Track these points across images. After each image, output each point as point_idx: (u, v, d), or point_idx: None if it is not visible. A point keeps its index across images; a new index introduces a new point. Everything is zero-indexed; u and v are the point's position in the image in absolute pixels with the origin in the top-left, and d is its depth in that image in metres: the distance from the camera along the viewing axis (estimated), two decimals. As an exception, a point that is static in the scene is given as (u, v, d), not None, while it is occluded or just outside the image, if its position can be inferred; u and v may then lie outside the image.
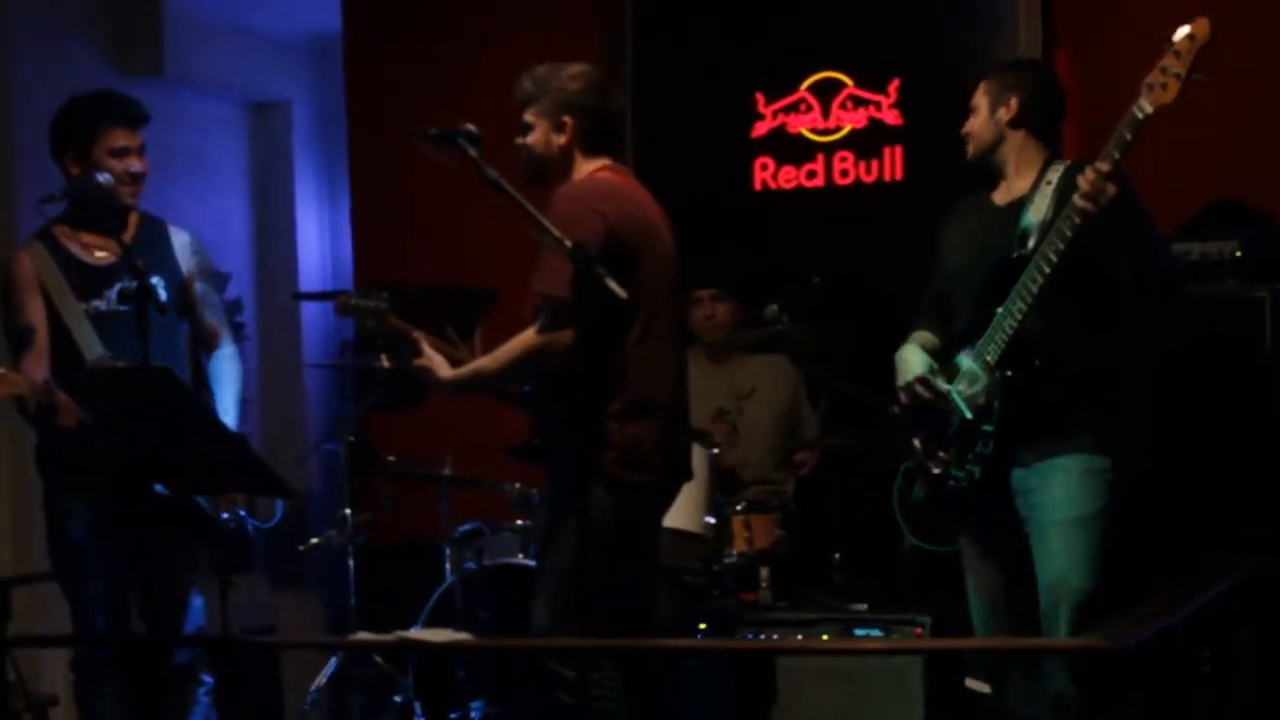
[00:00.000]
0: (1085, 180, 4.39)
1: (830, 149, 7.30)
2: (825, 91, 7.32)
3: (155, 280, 5.23)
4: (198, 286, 5.47)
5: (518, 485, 6.36)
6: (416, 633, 4.39)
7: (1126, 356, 4.85)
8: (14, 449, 7.06)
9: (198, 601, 5.30)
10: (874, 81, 7.24)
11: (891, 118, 7.19)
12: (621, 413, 4.65)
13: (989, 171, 4.93)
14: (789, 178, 7.35)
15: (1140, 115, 4.39)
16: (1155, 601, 4.36)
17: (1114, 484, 4.70)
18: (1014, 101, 4.82)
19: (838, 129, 7.29)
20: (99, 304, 5.25)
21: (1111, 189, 4.37)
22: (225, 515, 5.25)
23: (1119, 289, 4.71)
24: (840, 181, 7.28)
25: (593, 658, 4.54)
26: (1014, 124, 4.83)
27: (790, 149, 7.36)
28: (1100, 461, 4.66)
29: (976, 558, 4.86)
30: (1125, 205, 4.45)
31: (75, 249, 5.30)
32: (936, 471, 4.80)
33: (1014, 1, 6.91)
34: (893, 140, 7.18)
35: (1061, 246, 4.48)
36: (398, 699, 6.48)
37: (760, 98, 7.41)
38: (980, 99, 4.90)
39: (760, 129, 7.41)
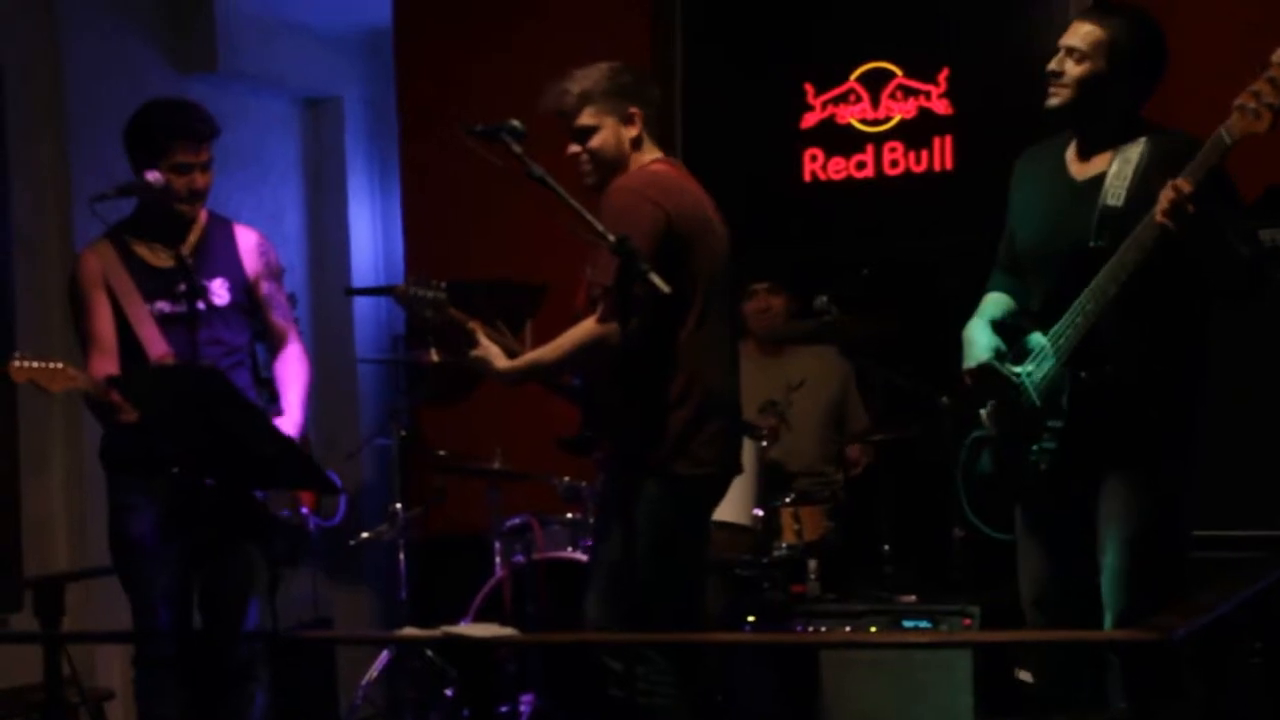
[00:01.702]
0: (1166, 199, 4.19)
1: (880, 139, 7.31)
2: (874, 82, 7.32)
3: (219, 281, 5.33)
4: (264, 287, 5.49)
5: (567, 479, 6.37)
6: (461, 628, 4.38)
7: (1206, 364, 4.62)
8: (70, 444, 7.12)
9: (257, 601, 5.32)
10: (923, 71, 7.24)
11: (941, 108, 7.18)
12: (675, 405, 4.65)
13: (1065, 122, 4.64)
14: (838, 168, 7.36)
15: (1229, 141, 4.17)
16: (1204, 594, 4.32)
17: (1182, 501, 4.52)
18: (1112, 54, 4.48)
19: (887, 119, 7.29)
20: (164, 305, 5.29)
21: (1192, 209, 4.17)
22: (286, 512, 5.29)
23: (1200, 293, 4.50)
24: (890, 172, 7.28)
25: (640, 651, 4.54)
26: (1120, 87, 4.51)
27: (840, 140, 7.37)
28: (1168, 480, 4.48)
29: (1031, 548, 4.68)
30: (1205, 211, 4.24)
31: (142, 251, 5.34)
32: (1003, 449, 4.63)
33: (1066, -9, 6.90)
34: (942, 130, 7.17)
35: (1140, 257, 4.29)
36: (449, 692, 6.49)
37: (809, 89, 7.42)
38: (1079, 40, 4.51)
39: (810, 120, 7.43)
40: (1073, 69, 4.52)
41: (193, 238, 5.38)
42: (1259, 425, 5.61)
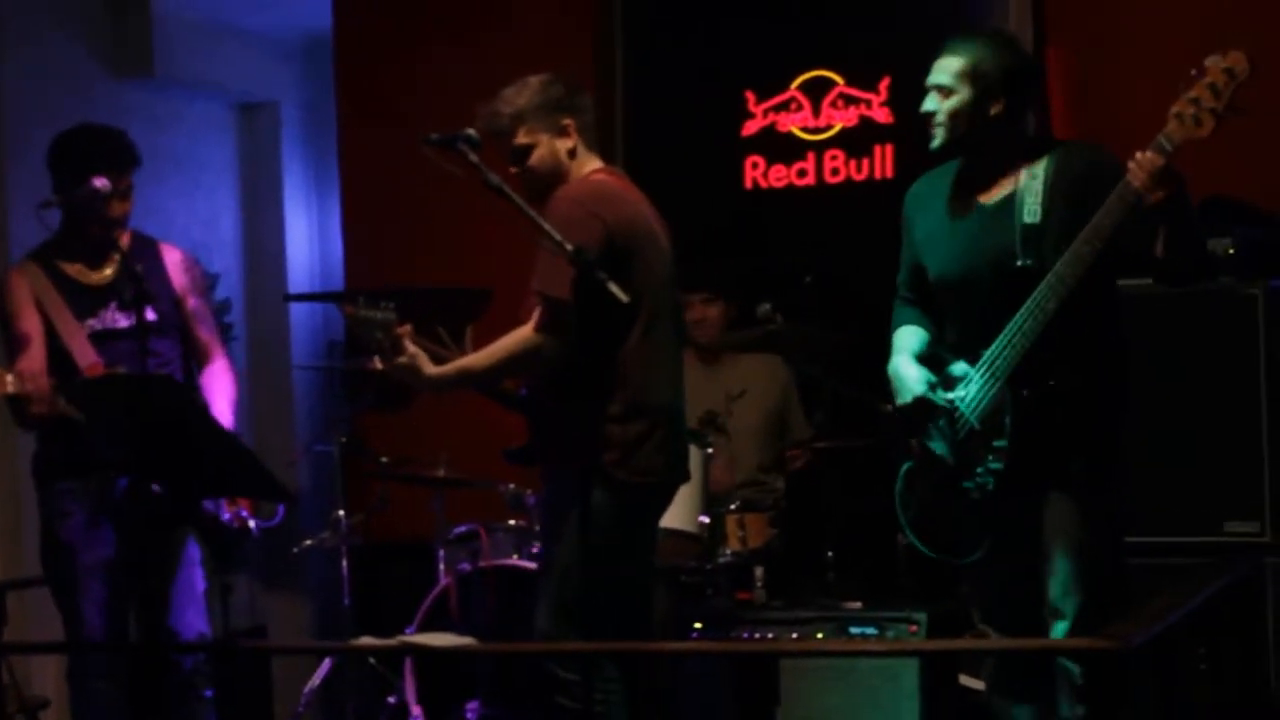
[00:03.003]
0: (1144, 169, 4.20)
1: (821, 147, 7.33)
2: (816, 90, 7.35)
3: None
4: (191, 302, 5.53)
5: (512, 486, 6.37)
6: (420, 637, 4.37)
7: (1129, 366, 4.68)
8: (3, 455, 7.06)
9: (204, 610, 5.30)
10: (864, 80, 7.27)
11: (882, 116, 7.22)
12: (622, 414, 4.66)
13: (956, 155, 4.69)
14: (780, 176, 7.38)
15: (1169, 148, 4.20)
16: (1155, 602, 4.37)
17: (1122, 507, 4.61)
18: (976, 80, 4.53)
19: (828, 127, 7.33)
20: (95, 323, 5.33)
21: (1170, 184, 4.21)
22: (227, 516, 5.28)
23: (1119, 305, 4.59)
24: (831, 180, 7.31)
25: (596, 661, 4.54)
26: (996, 109, 4.53)
27: (781, 148, 7.39)
28: (1110, 489, 4.54)
29: (979, 567, 4.69)
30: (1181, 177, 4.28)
31: (71, 271, 5.38)
32: (940, 477, 4.64)
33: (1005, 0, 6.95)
34: (883, 139, 7.21)
35: (1079, 271, 4.32)
36: (391, 700, 6.48)
37: (751, 96, 7.44)
38: (943, 76, 4.58)
39: (751, 128, 7.45)
40: (944, 104, 4.59)
41: (117, 259, 5.38)
42: (1198, 433, 5.67)
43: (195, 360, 5.55)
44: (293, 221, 8.76)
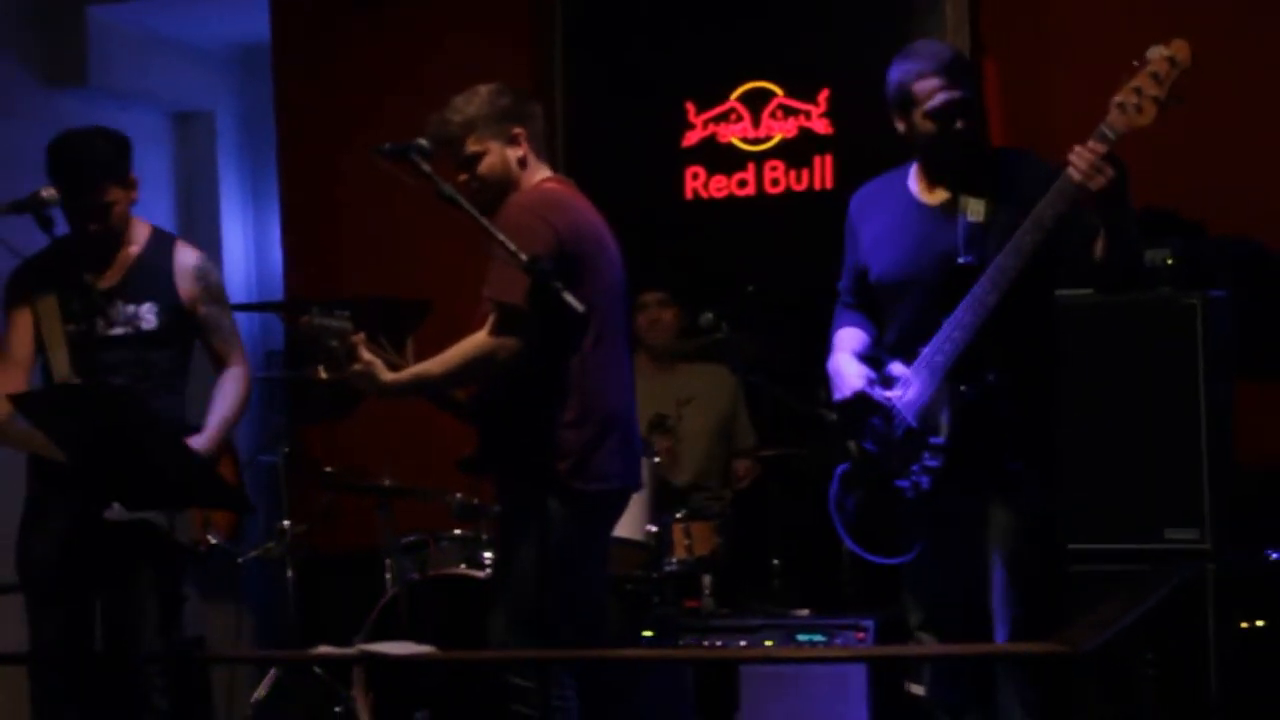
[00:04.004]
0: (1081, 157, 4.26)
1: (761, 158, 7.40)
2: (755, 101, 7.41)
3: (147, 306, 5.30)
4: (202, 310, 5.43)
5: (459, 495, 6.37)
6: (379, 646, 4.37)
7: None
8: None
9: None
10: (804, 91, 7.35)
11: (821, 127, 7.28)
12: (575, 422, 4.68)
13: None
14: (720, 187, 7.44)
15: (1111, 137, 4.26)
16: (1103, 608, 4.42)
17: (1060, 509, 4.68)
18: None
19: (768, 138, 7.39)
20: (73, 327, 5.24)
21: (1110, 173, 4.26)
22: (213, 541, 5.28)
23: (1053, 303, 4.66)
24: (771, 190, 7.38)
25: (553, 669, 4.56)
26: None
27: (721, 158, 7.45)
28: (1047, 490, 4.61)
29: (916, 571, 4.75)
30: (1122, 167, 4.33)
31: (73, 275, 5.27)
32: (876, 477, 4.69)
33: (942, 11, 7.05)
34: (823, 149, 7.29)
35: (1020, 263, 4.38)
36: (338, 710, 6.47)
37: (691, 107, 7.50)
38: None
39: (691, 138, 7.51)
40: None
41: (126, 259, 5.35)
42: (1138, 442, 5.71)
43: (214, 368, 5.49)
44: (229, 231, 8.75)
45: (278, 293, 8.34)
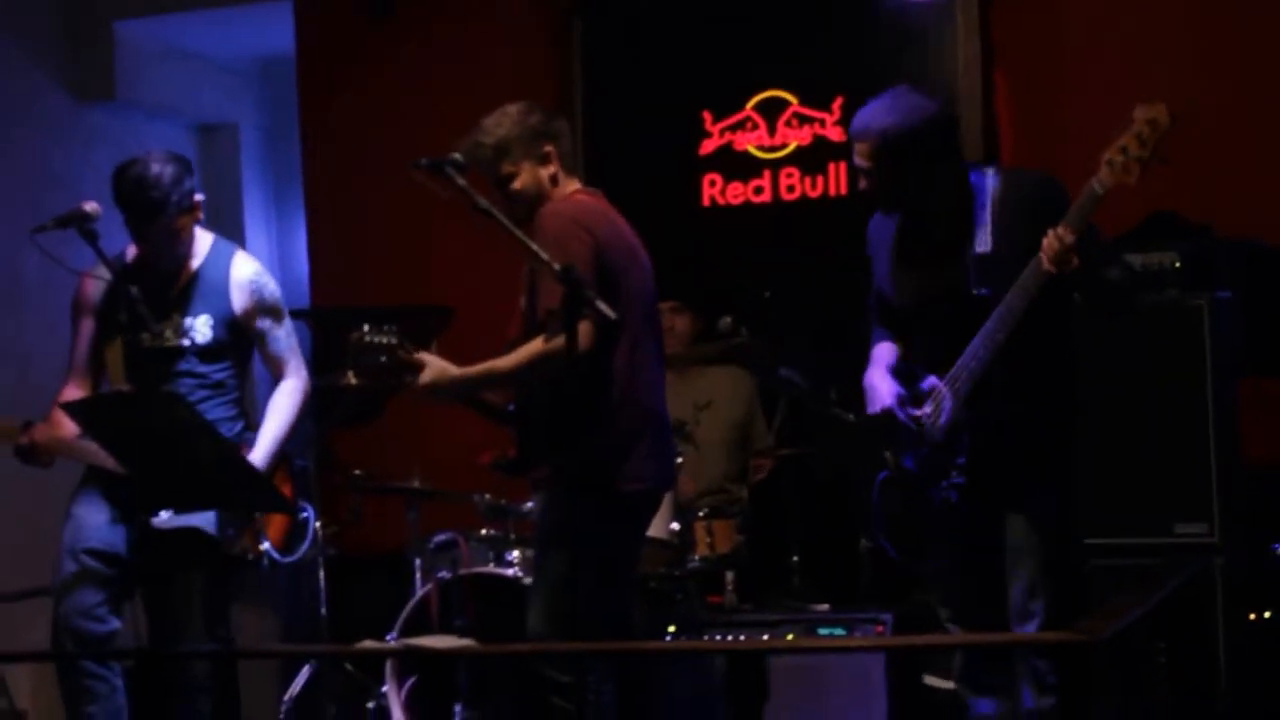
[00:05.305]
0: (1050, 247, 4.41)
1: (776, 165, 7.53)
2: (771, 110, 7.54)
3: (203, 319, 5.40)
4: (257, 322, 5.49)
5: (488, 496, 6.50)
6: (422, 640, 4.52)
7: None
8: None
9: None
10: (818, 100, 7.47)
11: (835, 135, 7.39)
12: (613, 425, 4.82)
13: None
14: (737, 194, 7.57)
15: (1100, 191, 4.41)
16: (1117, 599, 4.58)
17: (1078, 516, 4.85)
18: (884, 156, 4.69)
19: (783, 146, 7.52)
20: (143, 337, 5.35)
21: (1075, 260, 4.40)
22: (267, 548, 5.41)
23: (1068, 324, 4.76)
24: (787, 197, 7.51)
25: (590, 663, 4.71)
26: (903, 172, 4.70)
27: (737, 166, 7.58)
28: (1064, 499, 4.76)
29: (947, 573, 4.91)
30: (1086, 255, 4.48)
31: (138, 284, 5.32)
32: (910, 486, 4.83)
33: (953, 20, 7.17)
34: (837, 156, 7.38)
35: (1026, 302, 4.50)
36: (370, 706, 6.61)
37: (707, 116, 7.62)
38: (860, 159, 4.74)
39: (708, 147, 7.63)
40: (871, 184, 4.76)
41: (186, 272, 5.45)
42: (1148, 439, 5.84)
43: (272, 379, 5.58)
44: (253, 242, 8.86)
45: (302, 301, 8.46)
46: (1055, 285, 4.51)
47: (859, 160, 4.74)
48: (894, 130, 4.65)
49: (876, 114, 4.73)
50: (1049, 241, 4.43)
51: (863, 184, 4.78)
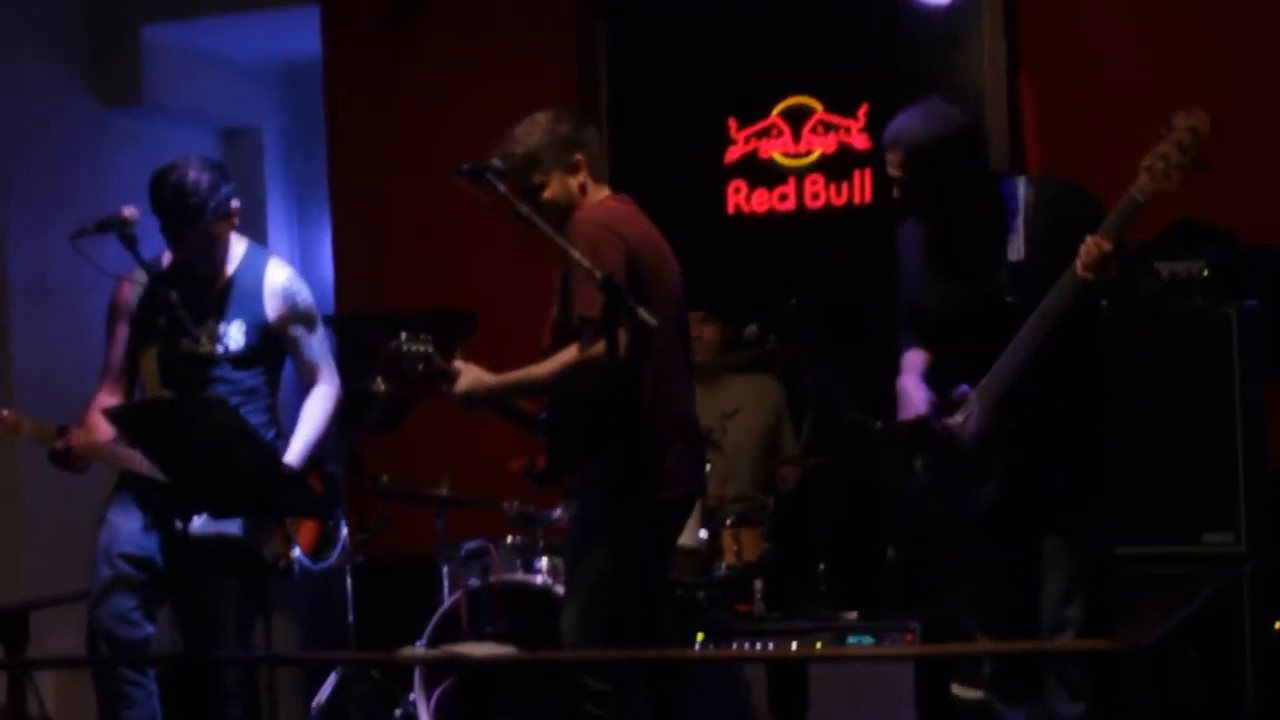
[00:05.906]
0: (1088, 254, 4.40)
1: (801, 173, 7.55)
2: (796, 117, 7.56)
3: (236, 325, 5.42)
4: (290, 330, 5.52)
5: (517, 503, 6.52)
6: (462, 647, 4.54)
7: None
8: (16, 479, 7.22)
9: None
10: (843, 107, 7.49)
11: (860, 142, 7.42)
12: (647, 431, 4.84)
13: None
14: (762, 201, 7.59)
15: (1141, 199, 4.40)
16: (1150, 607, 4.60)
17: (1109, 529, 4.81)
18: (918, 163, 4.68)
19: (808, 153, 7.54)
20: (181, 343, 5.36)
21: (1114, 271, 4.41)
22: (298, 555, 5.44)
23: (1100, 332, 4.77)
24: (811, 205, 7.52)
25: (626, 671, 4.73)
26: (936, 179, 4.69)
27: (762, 173, 7.60)
28: (1099, 509, 4.75)
29: (979, 581, 4.92)
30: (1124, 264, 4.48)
31: (175, 290, 5.34)
32: (941, 493, 4.84)
33: (978, 26, 7.19)
34: (862, 164, 7.42)
35: (1064, 306, 4.50)
36: (398, 713, 6.63)
37: (732, 123, 7.64)
38: (892, 169, 4.73)
39: (733, 154, 7.65)
40: (903, 193, 4.75)
41: (221, 278, 5.48)
42: (1176, 448, 5.86)
43: (303, 385, 5.60)
44: (276, 245, 8.87)
45: (326, 306, 8.46)
46: (1088, 294, 4.53)
47: (891, 170, 4.75)
48: (926, 140, 4.67)
49: (908, 123, 4.74)
50: (1087, 248, 4.43)
51: (896, 193, 4.80)
